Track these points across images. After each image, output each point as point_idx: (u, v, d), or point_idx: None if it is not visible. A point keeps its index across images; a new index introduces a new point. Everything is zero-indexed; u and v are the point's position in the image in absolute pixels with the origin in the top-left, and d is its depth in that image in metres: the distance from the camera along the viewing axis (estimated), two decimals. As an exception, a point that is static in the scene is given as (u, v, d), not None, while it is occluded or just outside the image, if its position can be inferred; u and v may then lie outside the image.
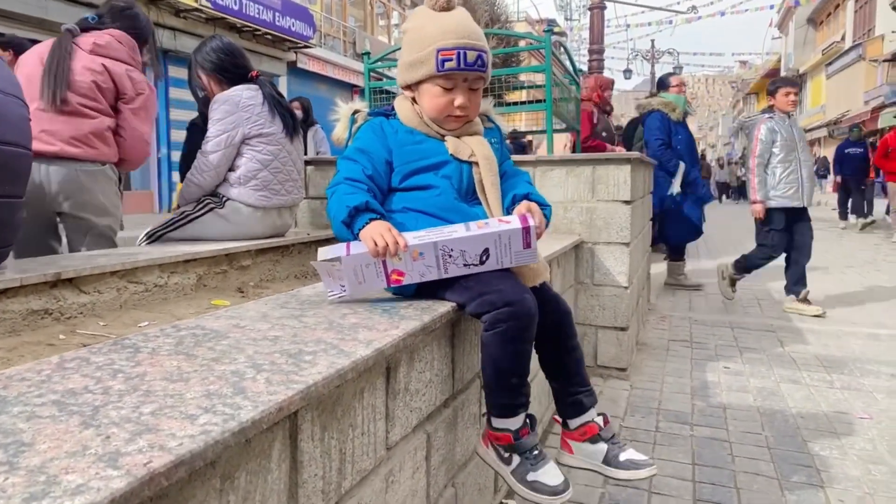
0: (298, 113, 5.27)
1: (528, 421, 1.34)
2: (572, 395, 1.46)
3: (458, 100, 1.41)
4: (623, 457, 1.40)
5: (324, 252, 1.35)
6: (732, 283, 4.82)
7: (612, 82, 6.05)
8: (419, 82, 1.43)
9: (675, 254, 5.68)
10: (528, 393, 1.33)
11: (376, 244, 1.24)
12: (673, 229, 5.30)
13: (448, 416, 1.38)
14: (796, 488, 2.00)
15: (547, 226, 1.45)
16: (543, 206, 1.45)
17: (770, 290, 5.39)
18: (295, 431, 0.83)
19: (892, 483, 2.03)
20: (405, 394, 1.16)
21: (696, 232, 5.39)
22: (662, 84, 5.54)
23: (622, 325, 3.05)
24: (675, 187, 5.14)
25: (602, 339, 3.10)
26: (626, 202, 2.98)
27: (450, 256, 1.30)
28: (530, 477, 1.28)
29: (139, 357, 0.92)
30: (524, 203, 1.39)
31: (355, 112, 1.51)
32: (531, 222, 1.30)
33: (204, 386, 0.79)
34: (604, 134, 5.56)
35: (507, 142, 6.02)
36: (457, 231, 1.29)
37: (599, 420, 1.46)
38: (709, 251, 8.39)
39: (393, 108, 1.51)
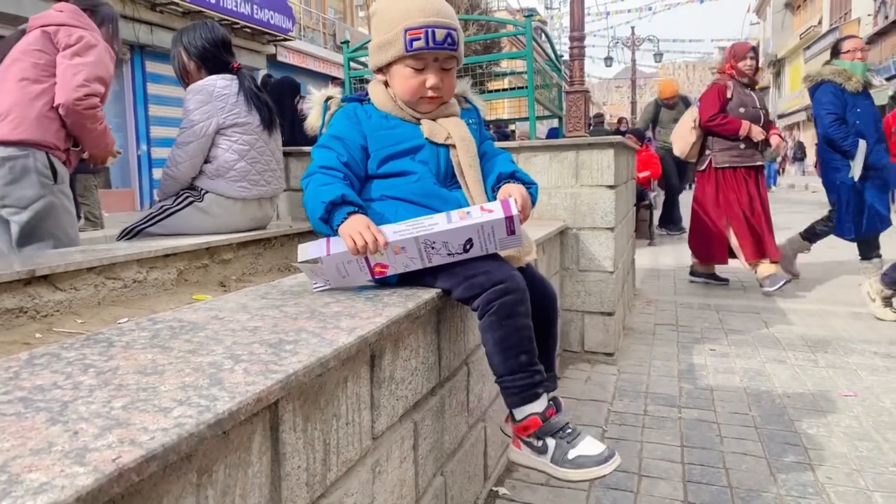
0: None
1: (551, 402, 1.31)
2: None
3: (430, 80, 1.38)
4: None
5: (303, 250, 1.31)
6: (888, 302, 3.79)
7: (752, 48, 4.90)
8: (389, 64, 1.41)
9: (865, 249, 4.63)
10: (542, 371, 1.30)
11: (355, 242, 1.21)
12: (855, 221, 4.44)
13: (435, 405, 1.36)
14: (785, 467, 2.01)
15: (533, 205, 1.42)
16: (529, 184, 1.42)
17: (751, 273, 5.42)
18: (276, 422, 0.81)
19: (879, 459, 2.05)
20: (390, 382, 1.14)
21: (884, 221, 4.47)
22: (835, 51, 4.70)
23: (608, 310, 3.05)
24: (856, 170, 4.29)
25: (589, 325, 3.09)
26: (610, 187, 2.97)
27: (432, 248, 1.28)
28: (571, 454, 1.24)
29: (112, 351, 0.89)
30: (507, 186, 1.36)
31: (328, 99, 1.47)
32: (514, 210, 1.27)
33: (179, 378, 0.76)
34: (741, 110, 4.58)
35: (490, 131, 5.98)
36: (438, 223, 1.26)
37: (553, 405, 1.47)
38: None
39: (367, 94, 1.48)
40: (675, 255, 6.67)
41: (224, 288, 2.35)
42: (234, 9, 12.64)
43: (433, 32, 1.34)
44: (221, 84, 2.49)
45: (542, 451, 1.28)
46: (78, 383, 0.75)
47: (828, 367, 2.93)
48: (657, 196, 9.10)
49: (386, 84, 1.45)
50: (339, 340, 0.93)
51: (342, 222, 1.25)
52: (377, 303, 1.20)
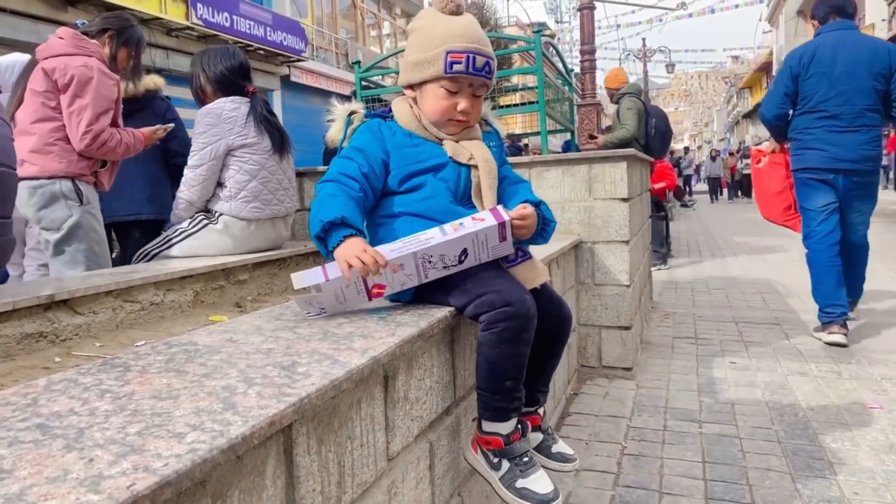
0: None
1: (519, 426, 1.31)
2: (534, 391, 1.46)
3: (462, 104, 1.39)
4: (555, 449, 1.46)
5: (299, 279, 1.27)
6: None
7: None
8: (423, 83, 1.41)
9: None
10: (521, 398, 1.30)
11: (351, 266, 1.18)
12: None
13: (451, 424, 1.35)
14: (810, 482, 1.97)
15: (541, 237, 1.43)
16: (547, 222, 1.44)
17: (772, 282, 5.36)
18: (290, 445, 0.81)
19: (907, 472, 2.00)
20: (405, 402, 1.14)
21: None
22: None
23: (625, 324, 3.02)
24: None
25: (606, 339, 3.07)
26: (624, 200, 2.96)
27: (429, 262, 1.27)
28: (519, 484, 1.25)
29: (129, 376, 0.89)
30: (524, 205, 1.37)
31: (352, 113, 1.48)
32: (505, 217, 1.28)
33: (193, 403, 0.77)
34: None
35: (505, 144, 5.98)
36: (433, 237, 1.26)
37: (541, 412, 1.50)
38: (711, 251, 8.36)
39: (390, 110, 1.49)
40: (692, 266, 6.61)
41: (240, 308, 2.37)
42: (248, 31, 12.86)
43: (474, 58, 1.36)
44: (230, 107, 2.52)
45: (495, 467, 1.29)
46: (94, 409, 0.75)
47: (852, 379, 2.87)
48: (673, 207, 9.04)
49: (413, 102, 1.46)
50: (351, 362, 0.93)
51: (337, 245, 1.22)
52: (390, 322, 1.20)
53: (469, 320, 1.35)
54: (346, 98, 1.73)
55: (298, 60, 15.04)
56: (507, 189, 1.49)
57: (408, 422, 1.15)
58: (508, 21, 27.05)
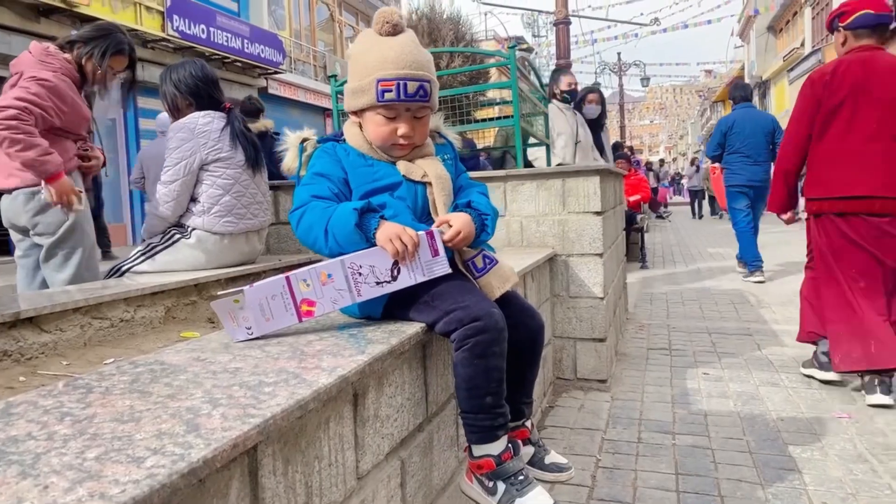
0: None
1: (510, 445, 1.31)
2: (517, 403, 1.46)
3: (401, 129, 1.39)
4: (548, 460, 1.47)
5: (222, 297, 1.25)
6: None
7: None
8: (363, 110, 1.42)
9: None
10: (506, 414, 1.30)
11: (402, 245, 1.23)
12: None
13: (423, 441, 1.35)
14: (780, 493, 1.99)
15: (484, 233, 1.40)
16: (483, 213, 1.41)
17: (745, 293, 5.44)
18: (255, 467, 0.80)
19: (874, 481, 2.03)
20: (375, 420, 1.13)
21: None
22: None
23: (600, 336, 3.04)
24: None
25: (581, 352, 3.08)
26: (598, 213, 2.99)
27: (359, 274, 1.26)
28: (517, 503, 1.25)
29: (91, 398, 0.88)
30: (450, 215, 1.36)
31: (304, 140, 1.48)
32: (436, 231, 1.28)
33: (156, 425, 0.76)
34: None
35: (482, 157, 5.98)
36: (363, 250, 1.27)
37: (529, 424, 1.49)
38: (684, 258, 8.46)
39: (342, 133, 1.50)
40: (667, 277, 6.68)
41: (213, 324, 2.34)
42: (226, 43, 12.79)
43: (405, 85, 1.35)
44: (203, 121, 2.51)
45: (491, 492, 1.28)
46: (53, 433, 0.74)
47: (821, 389, 2.92)
48: (646, 219, 9.15)
49: (360, 126, 1.46)
50: (319, 381, 0.92)
51: (377, 228, 1.26)
52: (360, 340, 1.20)
53: (441, 337, 1.35)
54: (325, 112, 1.72)
55: (276, 73, 14.99)
56: (459, 197, 1.48)
57: (378, 440, 1.14)
58: (486, 35, 27.27)
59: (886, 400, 2.62)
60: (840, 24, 2.87)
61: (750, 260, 6.13)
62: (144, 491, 0.59)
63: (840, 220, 2.78)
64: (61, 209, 2.42)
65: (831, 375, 2.93)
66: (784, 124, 3.28)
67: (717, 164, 6.56)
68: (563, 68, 5.60)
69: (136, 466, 0.63)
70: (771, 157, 5.92)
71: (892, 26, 2.92)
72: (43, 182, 2.34)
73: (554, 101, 4.77)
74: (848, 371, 2.78)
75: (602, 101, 5.35)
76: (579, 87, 5.16)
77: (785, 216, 3.14)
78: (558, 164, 4.59)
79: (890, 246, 2.71)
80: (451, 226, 1.33)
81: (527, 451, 1.47)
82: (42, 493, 0.58)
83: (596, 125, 5.26)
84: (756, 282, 5.93)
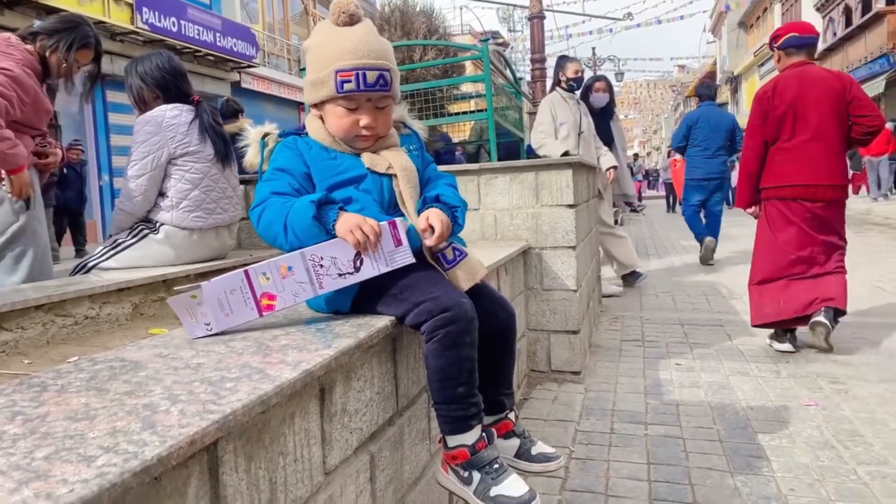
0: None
1: (484, 434, 1.31)
2: (497, 395, 1.45)
3: (363, 120, 1.37)
4: (535, 450, 1.45)
5: (179, 292, 1.22)
6: None
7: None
8: (323, 102, 1.40)
9: None
10: (479, 403, 1.30)
11: (363, 235, 1.21)
12: None
13: (393, 435, 1.34)
14: (749, 481, 2.02)
15: (456, 225, 1.40)
16: (453, 207, 1.40)
17: (717, 284, 5.52)
18: (215, 464, 0.78)
19: (840, 467, 2.08)
20: (343, 415, 1.12)
21: None
22: None
23: (573, 328, 3.06)
24: None
25: (555, 344, 3.10)
26: (570, 206, 3.00)
27: (321, 266, 1.24)
28: (493, 492, 1.24)
29: (45, 396, 0.85)
30: (426, 211, 1.34)
31: (265, 135, 1.46)
32: (398, 220, 1.27)
33: (111, 423, 0.73)
34: None
35: (458, 153, 5.94)
36: (324, 241, 1.26)
37: (512, 416, 1.48)
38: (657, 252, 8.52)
39: (304, 127, 1.47)
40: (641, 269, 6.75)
41: (182, 321, 2.30)
42: (197, 37, 12.60)
43: (364, 75, 1.33)
44: (171, 114, 2.46)
45: (466, 481, 1.27)
46: (1, 433, 0.72)
47: (789, 378, 2.98)
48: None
49: (322, 119, 1.44)
50: (282, 376, 0.91)
51: (336, 219, 1.24)
52: (328, 333, 1.18)
53: (412, 329, 1.34)
54: (300, 106, 1.67)
55: (249, 66, 14.81)
56: (426, 189, 1.47)
57: (346, 434, 1.13)
58: (462, 30, 27.23)
59: (788, 347, 3.37)
60: (775, 45, 3.47)
61: (696, 235, 6.84)
62: (93, 490, 0.57)
63: (781, 204, 3.40)
64: (12, 208, 2.32)
65: (786, 346, 3.40)
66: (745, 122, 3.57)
67: (678, 157, 7.26)
68: (568, 56, 5.36)
69: (87, 465, 0.61)
70: (728, 152, 6.72)
71: (817, 45, 3.64)
72: (4, 172, 2.27)
73: (558, 88, 4.71)
74: (760, 325, 3.49)
75: (610, 90, 5.31)
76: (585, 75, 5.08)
77: (750, 210, 3.61)
78: (564, 154, 4.57)
79: (817, 225, 3.33)
80: (433, 228, 1.30)
81: (512, 444, 1.46)
82: (-15, 494, 0.56)
83: (605, 114, 5.20)
84: (710, 264, 6.66)
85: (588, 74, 5.82)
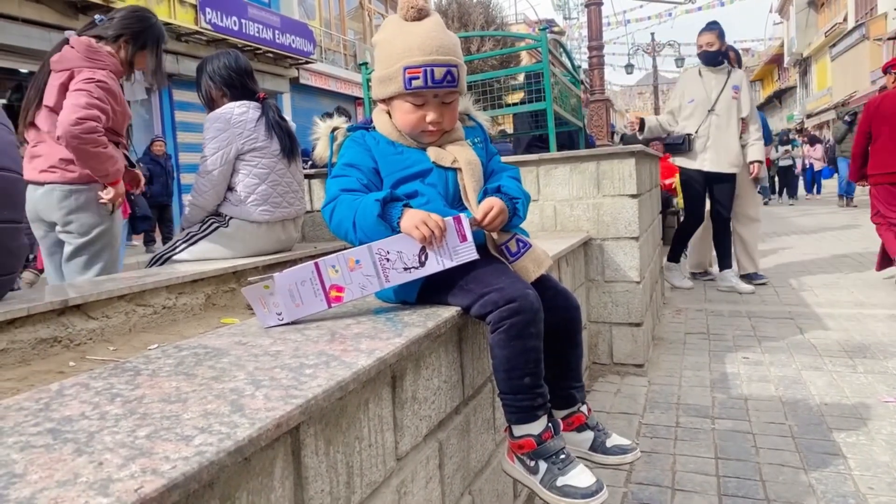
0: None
1: (550, 424, 1.31)
2: (566, 388, 1.44)
3: (430, 116, 1.38)
4: (609, 443, 1.43)
5: (252, 283, 1.27)
6: None
7: None
8: (390, 98, 1.42)
9: None
10: (545, 394, 1.30)
11: (429, 230, 1.22)
12: None
13: (460, 423, 1.36)
14: (824, 478, 1.95)
15: (516, 217, 1.39)
16: (514, 198, 1.39)
17: (786, 276, 5.31)
18: (298, 447, 0.82)
19: (923, 467, 1.98)
20: (413, 402, 1.14)
21: None
22: None
23: (636, 320, 3.01)
24: None
25: (617, 336, 3.06)
26: (633, 196, 2.95)
27: (387, 260, 1.26)
28: (560, 482, 1.24)
29: (139, 380, 0.91)
30: (485, 200, 1.34)
31: (334, 129, 1.49)
32: (463, 216, 1.28)
33: (202, 406, 0.78)
34: None
35: (509, 143, 5.93)
36: (391, 236, 1.28)
37: (584, 409, 1.47)
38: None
39: (371, 121, 1.50)
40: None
41: (251, 311, 2.38)
42: (257, 34, 12.92)
43: (432, 71, 1.34)
44: (238, 111, 2.54)
45: (533, 471, 1.27)
46: (105, 413, 0.77)
47: (867, 373, 2.85)
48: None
49: (389, 113, 1.46)
50: (358, 363, 0.93)
51: (401, 216, 1.26)
52: (397, 323, 1.21)
53: (476, 320, 1.35)
54: (328, 115, 1.70)
55: (307, 62, 15.10)
56: (490, 181, 1.47)
57: (416, 421, 1.15)
58: (516, 19, 26.98)
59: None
60: (892, 70, 4.92)
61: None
62: (194, 467, 0.60)
63: (884, 186, 4.63)
64: (99, 211, 2.45)
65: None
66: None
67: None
68: (707, 24, 4.71)
69: (185, 444, 0.65)
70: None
71: None
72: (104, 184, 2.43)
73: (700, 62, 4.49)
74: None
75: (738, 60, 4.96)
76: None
77: (857, 182, 5.01)
78: (686, 134, 4.39)
79: None
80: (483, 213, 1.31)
81: (586, 437, 1.44)
82: (97, 468, 0.60)
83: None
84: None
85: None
